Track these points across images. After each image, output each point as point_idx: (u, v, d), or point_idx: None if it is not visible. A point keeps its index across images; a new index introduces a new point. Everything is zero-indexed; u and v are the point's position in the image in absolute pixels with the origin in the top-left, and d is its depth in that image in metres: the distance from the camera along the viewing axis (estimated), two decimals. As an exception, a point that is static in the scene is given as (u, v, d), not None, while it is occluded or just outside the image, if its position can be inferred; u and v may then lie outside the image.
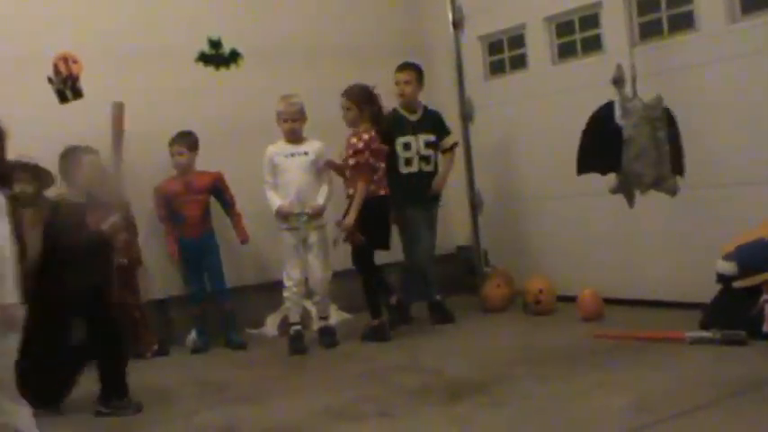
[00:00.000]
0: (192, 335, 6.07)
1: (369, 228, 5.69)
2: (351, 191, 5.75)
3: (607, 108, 5.28)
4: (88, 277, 4.28)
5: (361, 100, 5.80)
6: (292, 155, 5.84)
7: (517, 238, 6.95)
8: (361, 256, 5.81)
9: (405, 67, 6.32)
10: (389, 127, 6.07)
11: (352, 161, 5.72)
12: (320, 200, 5.83)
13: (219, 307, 6.11)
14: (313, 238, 5.83)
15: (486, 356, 5.04)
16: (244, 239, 6.20)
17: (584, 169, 5.38)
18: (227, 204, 6.21)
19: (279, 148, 5.87)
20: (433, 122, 6.34)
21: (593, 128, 5.30)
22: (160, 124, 6.07)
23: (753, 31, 5.31)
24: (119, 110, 4.92)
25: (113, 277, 5.00)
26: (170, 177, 6.10)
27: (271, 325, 6.36)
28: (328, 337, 5.83)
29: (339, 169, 5.88)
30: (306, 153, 5.84)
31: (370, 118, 5.82)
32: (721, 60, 5.43)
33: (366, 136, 5.72)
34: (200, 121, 6.22)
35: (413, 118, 6.30)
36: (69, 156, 5.38)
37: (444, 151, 6.37)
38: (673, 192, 5.21)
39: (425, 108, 6.39)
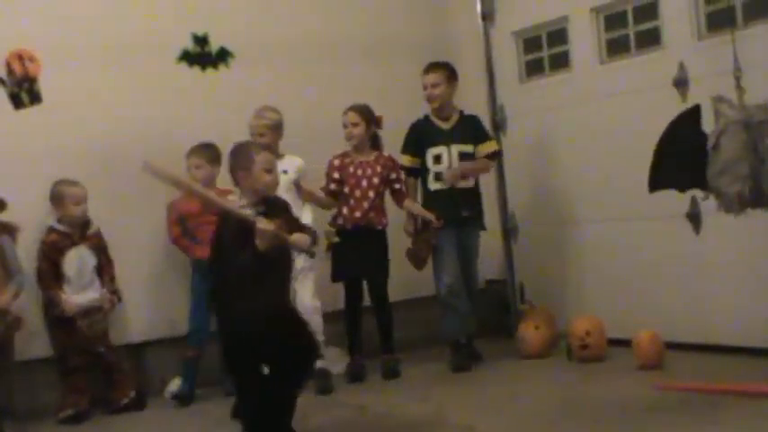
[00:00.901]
0: (176, 382, 6.05)
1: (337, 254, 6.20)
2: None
3: (692, 113, 5.06)
4: None
5: (370, 118, 6.18)
6: None
7: (559, 269, 6.88)
8: (347, 289, 6.27)
9: (433, 67, 6.32)
10: (420, 137, 6.29)
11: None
12: (305, 221, 5.87)
13: None
14: (299, 264, 5.77)
15: (524, 411, 4.98)
16: None
17: (658, 185, 5.14)
18: None
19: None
20: (469, 130, 6.31)
21: (672, 136, 5.05)
22: (135, 130, 6.12)
23: None
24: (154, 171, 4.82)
25: None
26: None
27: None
28: (322, 380, 5.85)
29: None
30: (285, 172, 5.90)
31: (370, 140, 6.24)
32: None
33: (337, 161, 6.21)
34: (183, 128, 6.24)
35: (446, 126, 6.30)
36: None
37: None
38: None
39: (461, 114, 6.36)
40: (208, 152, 6.13)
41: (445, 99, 6.28)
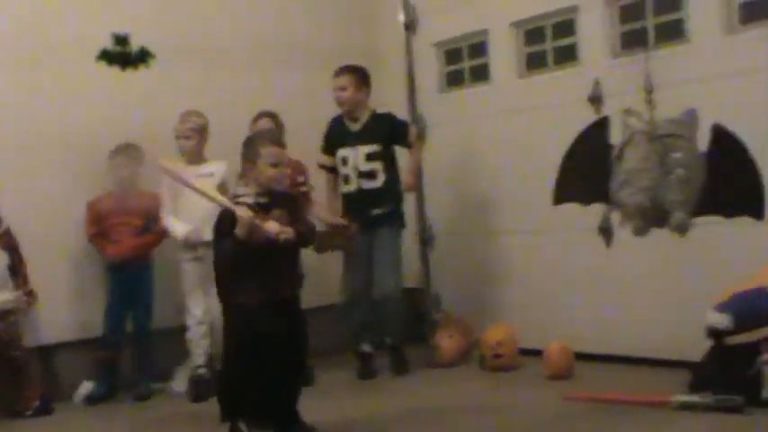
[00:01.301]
0: (86, 385, 6.01)
1: None
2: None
3: (599, 125, 5.09)
4: None
5: (281, 124, 6.22)
6: (197, 176, 5.84)
7: (475, 279, 6.91)
8: None
9: (342, 71, 6.35)
10: (331, 136, 6.35)
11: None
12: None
13: (139, 351, 6.14)
14: None
15: (432, 420, 4.99)
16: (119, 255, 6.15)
17: (561, 198, 5.17)
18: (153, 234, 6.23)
19: (180, 169, 5.96)
20: (380, 128, 6.29)
21: (577, 149, 5.07)
22: (52, 130, 6.06)
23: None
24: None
25: None
26: (107, 193, 6.17)
27: (180, 379, 6.23)
28: None
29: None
30: (212, 174, 5.98)
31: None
32: (715, 77, 5.39)
33: None
34: (104, 128, 6.20)
35: (354, 127, 6.31)
36: None
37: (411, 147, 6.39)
38: (680, 229, 4.80)
39: (373, 113, 6.35)
40: (129, 152, 6.12)
41: (354, 103, 6.27)
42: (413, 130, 6.40)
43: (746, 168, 4.66)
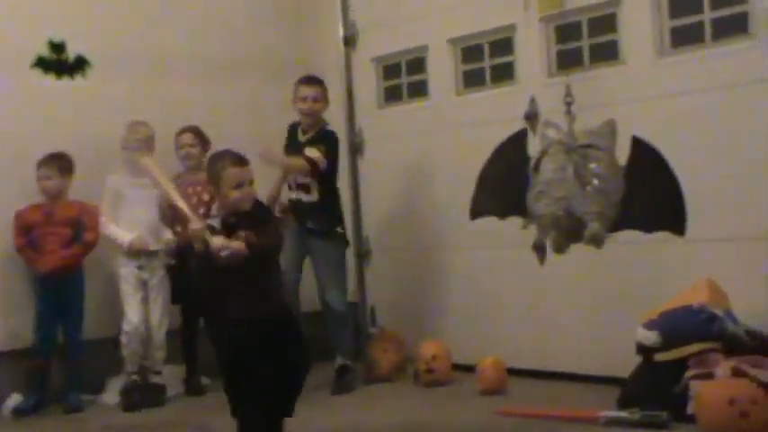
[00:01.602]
0: (15, 397, 5.96)
1: None
2: None
3: (517, 137, 5.05)
4: None
5: (205, 139, 6.42)
6: (143, 187, 6.01)
7: (410, 294, 6.92)
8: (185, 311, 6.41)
9: (315, 81, 6.34)
10: (288, 140, 6.35)
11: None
12: (170, 235, 6.17)
13: (69, 362, 6.08)
14: (155, 279, 6.19)
15: None
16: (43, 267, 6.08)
17: (477, 212, 5.17)
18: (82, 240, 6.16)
19: (125, 179, 6.15)
20: (318, 142, 6.24)
21: (495, 161, 5.05)
22: None
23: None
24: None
25: None
26: (36, 204, 6.11)
27: (112, 391, 6.21)
28: (159, 394, 6.12)
29: None
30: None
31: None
32: (647, 98, 5.50)
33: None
34: (33, 137, 6.15)
35: (303, 138, 6.29)
36: None
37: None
38: (595, 242, 4.70)
39: (322, 128, 6.31)
40: (58, 163, 6.08)
41: (319, 115, 6.29)
42: (314, 153, 6.14)
43: (667, 183, 4.63)
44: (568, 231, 4.66)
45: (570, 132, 4.75)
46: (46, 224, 6.01)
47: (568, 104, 4.83)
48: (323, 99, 6.30)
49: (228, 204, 4.41)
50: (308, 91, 6.26)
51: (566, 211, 4.60)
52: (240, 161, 4.47)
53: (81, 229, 6.09)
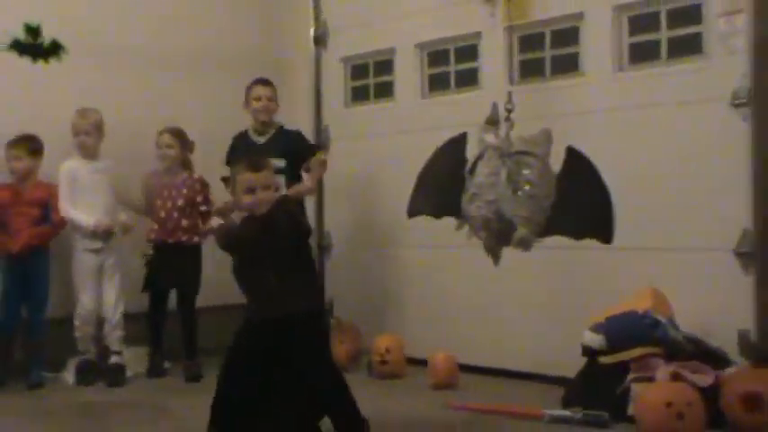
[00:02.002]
0: None
1: None
2: None
3: (458, 140, 5.18)
4: None
5: (184, 141, 6.46)
6: (96, 171, 6.20)
7: (368, 289, 6.98)
8: (152, 297, 6.48)
9: (268, 82, 6.44)
10: (235, 150, 6.33)
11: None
12: (126, 217, 6.25)
13: (32, 341, 6.12)
14: (111, 260, 6.27)
15: None
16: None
17: (413, 211, 5.26)
18: (50, 221, 6.20)
19: (79, 164, 6.22)
20: (286, 144, 6.31)
21: (434, 162, 5.16)
22: None
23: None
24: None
25: None
26: (2, 184, 6.14)
27: (71, 369, 6.25)
28: (118, 374, 6.16)
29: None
30: (106, 170, 6.28)
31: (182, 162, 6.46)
32: (605, 110, 5.62)
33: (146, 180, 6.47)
34: (11, 121, 6.18)
35: (260, 140, 6.35)
36: None
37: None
38: (523, 245, 4.80)
39: (280, 128, 6.41)
40: (29, 144, 6.11)
41: (272, 115, 6.38)
42: (316, 158, 6.34)
43: (597, 192, 4.70)
44: (498, 234, 4.77)
45: (507, 138, 4.88)
46: (15, 204, 6.04)
47: (509, 111, 4.99)
48: (275, 99, 6.41)
49: (243, 208, 4.42)
50: (262, 91, 6.36)
51: (496, 214, 4.72)
52: (255, 167, 4.44)
53: (49, 210, 6.14)
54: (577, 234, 4.83)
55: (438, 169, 5.11)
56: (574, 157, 4.75)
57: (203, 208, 6.39)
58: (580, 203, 4.73)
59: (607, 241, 4.75)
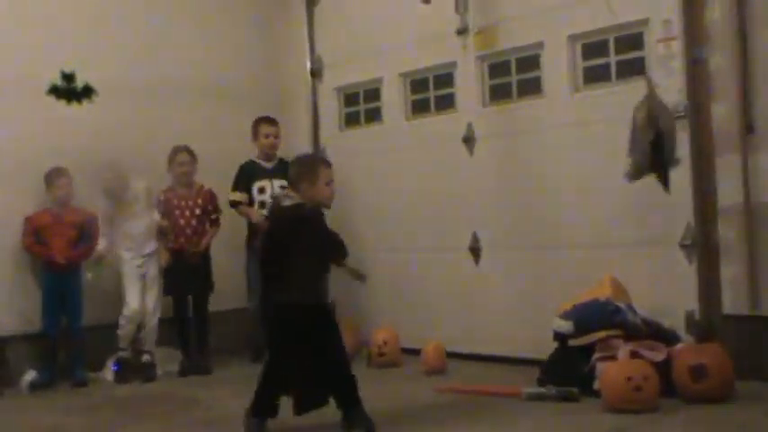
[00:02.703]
0: (30, 373, 6.04)
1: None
2: None
3: None
4: None
5: (195, 158, 6.59)
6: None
7: (365, 288, 6.63)
8: (176, 303, 6.56)
9: (275, 121, 6.72)
10: (247, 176, 6.61)
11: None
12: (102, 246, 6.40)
13: (73, 344, 6.17)
14: (152, 272, 6.41)
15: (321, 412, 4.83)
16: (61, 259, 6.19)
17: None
18: (86, 242, 6.32)
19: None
20: (286, 170, 6.36)
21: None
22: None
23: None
24: None
25: None
26: (44, 210, 6.20)
27: (109, 369, 6.35)
28: (150, 370, 6.28)
29: None
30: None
31: None
32: (565, 126, 5.74)
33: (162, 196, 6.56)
34: (49, 154, 6.25)
35: (269, 165, 6.65)
36: None
37: None
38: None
39: (281, 159, 6.64)
40: (67, 174, 6.21)
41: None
42: None
43: None
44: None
45: None
46: (55, 226, 6.15)
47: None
48: (280, 135, 6.71)
49: (320, 199, 4.48)
50: (270, 129, 6.67)
51: None
52: (329, 163, 4.61)
53: (86, 232, 6.26)
54: None
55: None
56: None
57: (214, 216, 6.59)
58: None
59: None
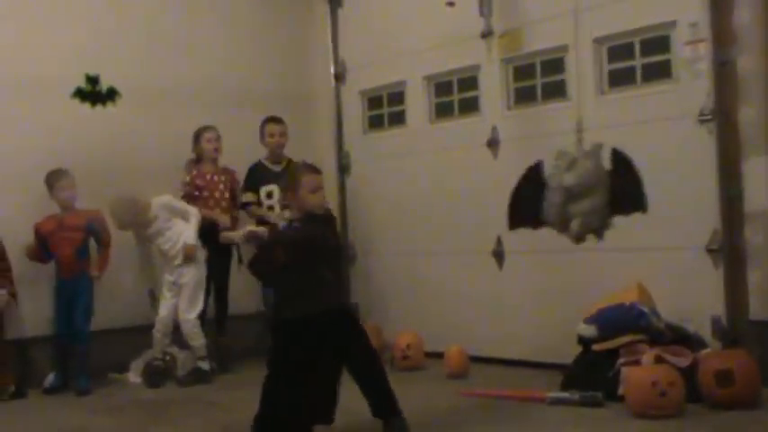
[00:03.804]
0: (51, 377, 6.05)
1: None
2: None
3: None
4: None
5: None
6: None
7: (389, 292, 7.05)
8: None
9: (281, 120, 6.70)
10: (255, 178, 6.63)
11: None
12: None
13: (77, 349, 6.10)
14: (185, 279, 6.27)
15: (344, 409, 4.87)
16: (100, 273, 6.23)
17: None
18: (100, 244, 6.27)
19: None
20: None
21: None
22: (29, 159, 6.13)
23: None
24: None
25: None
26: (50, 215, 6.13)
27: (134, 371, 6.37)
28: (202, 376, 6.23)
29: None
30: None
31: None
32: (588, 129, 5.63)
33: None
34: (71, 158, 6.26)
35: (277, 169, 6.63)
36: None
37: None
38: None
39: (289, 160, 6.66)
40: (70, 175, 6.14)
41: (284, 148, 6.68)
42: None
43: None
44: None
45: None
46: (59, 230, 6.06)
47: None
48: (286, 134, 6.68)
49: (305, 208, 4.33)
50: (276, 128, 6.67)
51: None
52: (316, 169, 4.47)
53: (94, 234, 6.19)
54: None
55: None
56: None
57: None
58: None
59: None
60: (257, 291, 6.69)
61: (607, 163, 4.86)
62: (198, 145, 6.60)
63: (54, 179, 6.10)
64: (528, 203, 5.03)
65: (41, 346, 6.19)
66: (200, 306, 6.26)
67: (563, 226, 4.87)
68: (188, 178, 6.54)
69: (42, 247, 6.09)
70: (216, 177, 6.59)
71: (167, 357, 6.30)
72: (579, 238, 4.87)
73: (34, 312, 6.19)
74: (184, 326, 6.22)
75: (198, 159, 6.63)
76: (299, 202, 4.35)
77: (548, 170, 4.95)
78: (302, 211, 4.36)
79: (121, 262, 6.41)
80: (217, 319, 6.59)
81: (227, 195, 6.61)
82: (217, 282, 6.56)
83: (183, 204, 6.34)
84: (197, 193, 6.51)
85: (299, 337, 4.25)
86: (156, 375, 6.17)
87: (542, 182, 4.96)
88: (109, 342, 6.28)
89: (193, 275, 6.26)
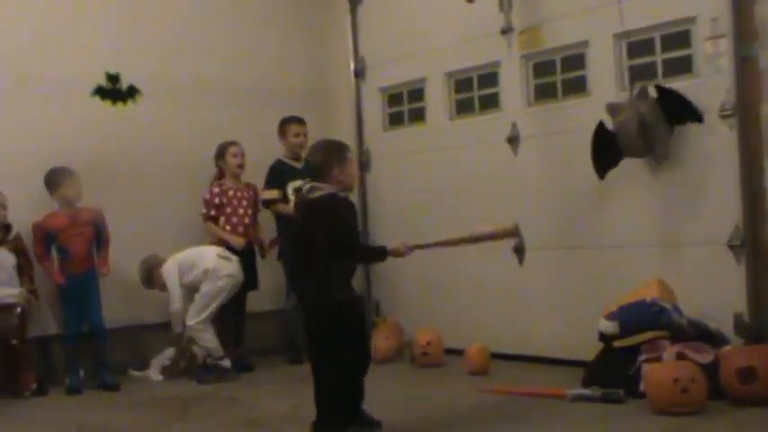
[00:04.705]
0: (72, 379, 6.03)
1: None
2: None
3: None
4: None
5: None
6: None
7: (409, 289, 7.06)
8: None
9: (303, 121, 6.77)
10: (280, 175, 6.66)
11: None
12: None
13: (97, 345, 6.12)
14: (204, 286, 6.27)
15: (369, 407, 4.88)
16: (107, 272, 6.23)
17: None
18: (103, 241, 6.26)
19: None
20: None
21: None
22: (47, 157, 6.14)
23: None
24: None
25: None
26: (53, 212, 6.09)
27: (155, 368, 6.39)
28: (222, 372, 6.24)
29: None
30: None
31: None
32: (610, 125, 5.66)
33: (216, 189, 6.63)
34: (89, 155, 6.32)
35: (299, 165, 6.67)
36: None
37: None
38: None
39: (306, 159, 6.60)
40: (75, 173, 6.11)
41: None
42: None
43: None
44: None
45: None
46: (72, 226, 6.04)
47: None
48: (307, 134, 6.73)
49: (350, 180, 4.43)
50: (299, 129, 6.73)
51: None
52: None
53: (101, 229, 6.18)
54: None
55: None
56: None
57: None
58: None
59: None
60: (278, 290, 6.71)
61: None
62: (222, 159, 6.62)
63: (62, 177, 6.07)
64: (606, 151, 5.37)
65: (60, 343, 6.20)
66: (206, 315, 6.21)
67: (645, 150, 5.24)
68: (208, 196, 6.55)
69: (46, 245, 6.04)
70: (240, 194, 6.62)
71: (188, 354, 6.33)
72: (663, 156, 5.24)
73: (51, 310, 6.21)
74: (188, 330, 6.24)
75: (220, 174, 6.64)
76: (347, 177, 4.41)
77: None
78: (343, 185, 4.39)
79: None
80: (234, 331, 6.60)
81: (250, 212, 6.63)
82: (236, 294, 6.53)
83: (171, 284, 6.27)
84: (213, 213, 6.54)
85: (352, 320, 4.36)
86: (177, 372, 6.25)
87: (610, 133, 5.33)
88: (128, 339, 6.36)
89: (212, 287, 6.21)
